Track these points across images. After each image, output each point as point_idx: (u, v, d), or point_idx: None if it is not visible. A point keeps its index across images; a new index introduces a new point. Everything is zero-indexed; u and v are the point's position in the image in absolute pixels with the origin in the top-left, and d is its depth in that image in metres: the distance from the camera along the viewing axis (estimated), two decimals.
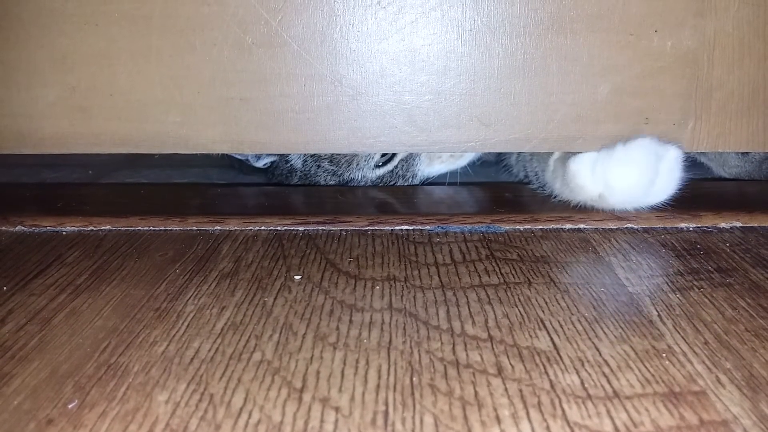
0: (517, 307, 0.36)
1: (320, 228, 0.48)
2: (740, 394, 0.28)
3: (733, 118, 0.46)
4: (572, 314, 0.35)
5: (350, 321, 0.35)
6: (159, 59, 0.46)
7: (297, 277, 0.40)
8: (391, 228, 0.48)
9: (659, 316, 0.34)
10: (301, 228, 0.48)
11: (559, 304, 0.36)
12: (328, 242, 0.46)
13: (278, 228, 0.49)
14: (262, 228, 0.49)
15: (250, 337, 0.33)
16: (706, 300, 0.36)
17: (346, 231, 0.48)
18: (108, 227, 0.49)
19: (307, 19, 0.45)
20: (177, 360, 0.31)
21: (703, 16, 0.44)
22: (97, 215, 0.50)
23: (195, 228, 0.49)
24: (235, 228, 0.49)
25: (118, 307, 0.36)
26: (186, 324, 0.35)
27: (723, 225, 0.47)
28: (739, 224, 0.47)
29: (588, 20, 0.44)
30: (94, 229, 0.49)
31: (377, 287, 0.38)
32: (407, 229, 0.48)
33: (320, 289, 0.39)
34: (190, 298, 0.38)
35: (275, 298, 0.37)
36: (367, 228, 0.48)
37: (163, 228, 0.49)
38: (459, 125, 0.47)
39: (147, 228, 0.49)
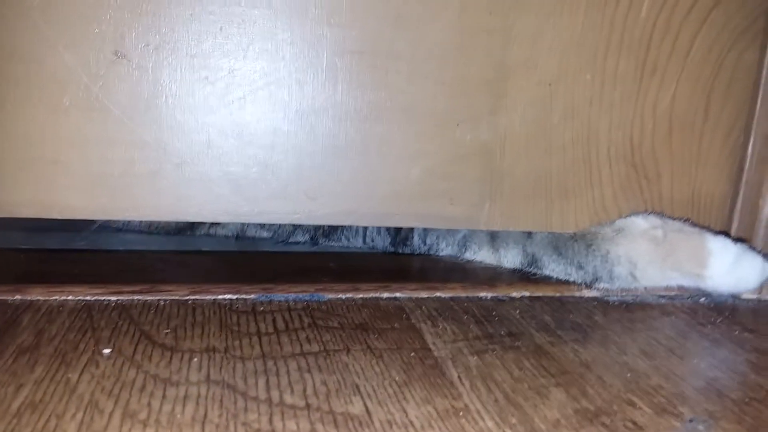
0: (335, 374, 0.37)
1: (136, 298, 0.46)
2: None
3: (521, 202, 0.54)
4: (384, 379, 0.37)
5: (163, 396, 0.34)
6: None
7: (106, 351, 0.38)
8: (213, 297, 0.48)
9: (459, 377, 0.38)
10: (113, 297, 0.46)
11: (373, 369, 0.38)
12: (144, 313, 0.44)
13: (87, 298, 0.46)
14: (69, 298, 0.45)
15: (50, 416, 0.31)
16: (498, 362, 0.41)
17: (165, 301, 0.46)
18: None
19: (131, 87, 0.45)
20: None
21: (496, 113, 0.51)
22: None
23: None
24: (38, 298, 0.45)
25: None
26: None
27: (514, 294, 0.53)
28: (527, 294, 0.54)
29: (401, 111, 0.49)
30: None
31: (195, 359, 0.38)
32: (230, 298, 0.48)
33: (132, 363, 0.37)
34: None
35: (80, 374, 0.35)
36: (187, 297, 0.47)
37: None
38: (286, 197, 0.49)
39: None
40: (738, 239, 0.54)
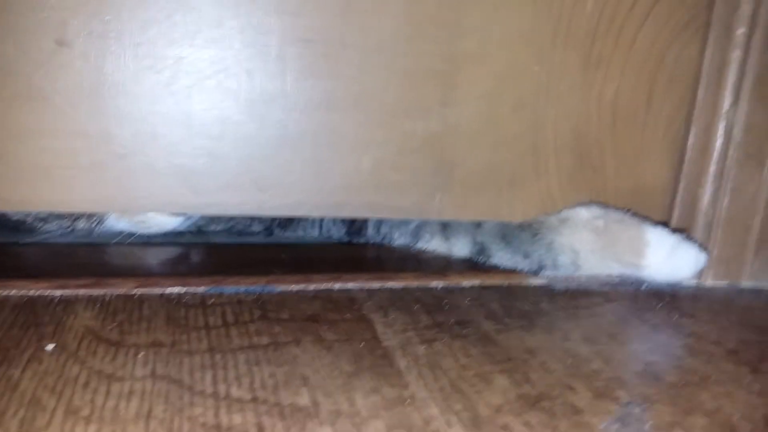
0: (284, 366, 0.38)
1: (80, 292, 0.45)
2: None
3: (471, 192, 0.54)
4: (333, 370, 0.38)
5: (107, 392, 0.33)
6: None
7: (49, 347, 0.37)
8: (161, 290, 0.47)
9: (407, 366, 0.39)
10: (58, 292, 0.45)
11: (322, 360, 0.39)
12: (89, 307, 0.43)
13: (31, 292, 0.45)
14: (12, 292, 0.44)
15: None
16: (445, 350, 0.42)
17: (111, 295, 0.46)
18: None
19: (74, 77, 0.43)
20: None
21: (446, 105, 0.52)
22: None
23: None
24: None
25: None
26: None
27: (465, 283, 0.54)
28: (478, 282, 0.55)
29: (353, 101, 0.49)
30: None
31: (141, 354, 0.37)
32: (179, 292, 0.47)
33: (76, 358, 0.36)
34: None
35: (23, 371, 0.35)
36: (134, 291, 0.46)
37: None
38: (236, 188, 0.49)
39: None
40: (676, 229, 0.56)
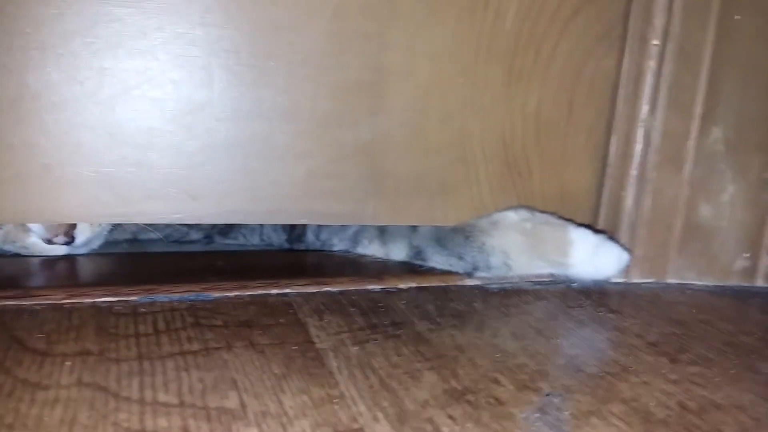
0: (214, 371, 0.38)
1: (9, 303, 0.45)
2: (390, 427, 0.33)
3: (403, 198, 0.56)
4: (264, 373, 0.38)
5: (32, 400, 0.33)
6: None
7: None
8: (91, 300, 0.47)
9: (338, 367, 0.40)
10: None
11: (254, 364, 0.39)
12: (17, 318, 0.43)
13: None
14: None
15: None
16: (378, 350, 0.42)
17: (40, 305, 0.45)
18: None
19: None
20: None
21: (375, 115, 0.53)
22: None
23: None
24: None
25: None
26: None
27: (402, 286, 0.55)
28: (414, 285, 0.56)
29: (282, 111, 0.50)
30: None
31: (68, 363, 0.37)
32: (110, 301, 0.47)
33: (1, 368, 0.36)
34: None
35: None
36: (64, 301, 0.46)
37: None
38: (166, 197, 0.49)
39: None
40: (602, 231, 0.59)
